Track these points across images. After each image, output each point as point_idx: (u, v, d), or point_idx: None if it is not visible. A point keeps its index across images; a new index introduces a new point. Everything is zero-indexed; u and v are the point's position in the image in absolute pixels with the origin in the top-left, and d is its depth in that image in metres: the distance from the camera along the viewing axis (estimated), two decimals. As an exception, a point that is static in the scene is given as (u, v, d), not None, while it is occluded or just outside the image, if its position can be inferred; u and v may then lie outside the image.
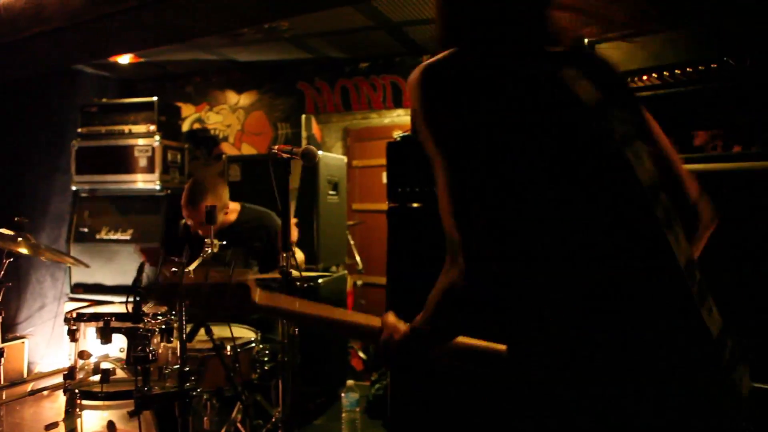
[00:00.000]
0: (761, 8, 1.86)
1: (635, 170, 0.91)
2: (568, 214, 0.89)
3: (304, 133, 4.45)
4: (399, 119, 5.00)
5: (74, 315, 2.23)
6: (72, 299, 4.19)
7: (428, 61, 0.95)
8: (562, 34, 1.00)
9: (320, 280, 3.43)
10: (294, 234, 3.07)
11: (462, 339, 1.10)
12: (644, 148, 0.97)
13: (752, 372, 0.94)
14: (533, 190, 0.90)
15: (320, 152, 3.71)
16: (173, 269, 1.24)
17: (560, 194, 0.90)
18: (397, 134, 2.84)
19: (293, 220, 3.10)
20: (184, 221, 3.33)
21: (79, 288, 4.23)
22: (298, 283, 1.94)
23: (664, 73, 2.13)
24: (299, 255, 3.11)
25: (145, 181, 4.22)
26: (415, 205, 2.67)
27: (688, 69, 2.07)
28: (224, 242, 2.35)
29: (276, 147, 1.89)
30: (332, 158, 3.99)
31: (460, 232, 0.89)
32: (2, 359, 2.54)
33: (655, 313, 0.86)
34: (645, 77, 2.15)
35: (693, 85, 2.05)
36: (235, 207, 3.07)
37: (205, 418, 2.39)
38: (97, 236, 4.24)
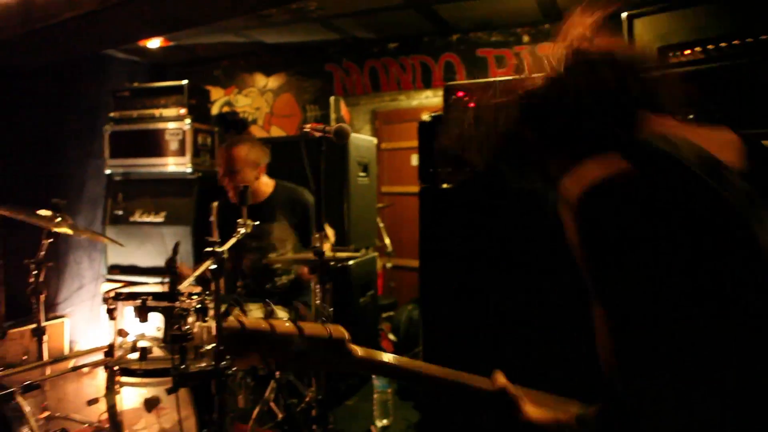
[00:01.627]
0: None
1: None
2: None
3: (332, 115, 4.44)
4: (427, 101, 4.95)
5: (112, 294, 2.28)
6: (109, 280, 4.28)
7: (601, 183, 0.78)
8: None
9: (351, 262, 3.44)
10: (330, 234, 3.08)
11: None
12: None
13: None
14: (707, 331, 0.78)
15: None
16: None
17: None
18: (427, 114, 2.80)
19: (328, 227, 3.12)
20: (216, 203, 3.36)
21: (115, 269, 4.32)
22: (332, 263, 1.93)
23: (708, 46, 2.04)
24: (330, 232, 3.11)
25: (176, 164, 4.26)
26: (446, 186, 2.65)
27: (734, 42, 1.98)
28: (257, 222, 2.35)
29: (308, 126, 1.87)
30: (362, 139, 3.97)
31: (627, 373, 0.79)
32: (45, 337, 2.61)
33: None
34: (688, 51, 2.06)
35: (739, 59, 1.96)
36: (270, 182, 3.11)
37: (240, 397, 2.43)
38: (131, 219, 4.31)
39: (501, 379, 1.01)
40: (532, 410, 0.98)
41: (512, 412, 0.97)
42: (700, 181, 0.79)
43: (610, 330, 0.80)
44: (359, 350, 1.00)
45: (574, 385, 1.02)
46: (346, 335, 0.99)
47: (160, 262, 4.12)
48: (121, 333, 2.15)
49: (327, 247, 3.04)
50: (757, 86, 1.91)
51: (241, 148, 2.98)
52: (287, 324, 0.96)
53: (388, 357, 1.02)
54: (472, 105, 1.00)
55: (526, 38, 4.29)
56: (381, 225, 4.73)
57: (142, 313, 2.08)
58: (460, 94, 2.56)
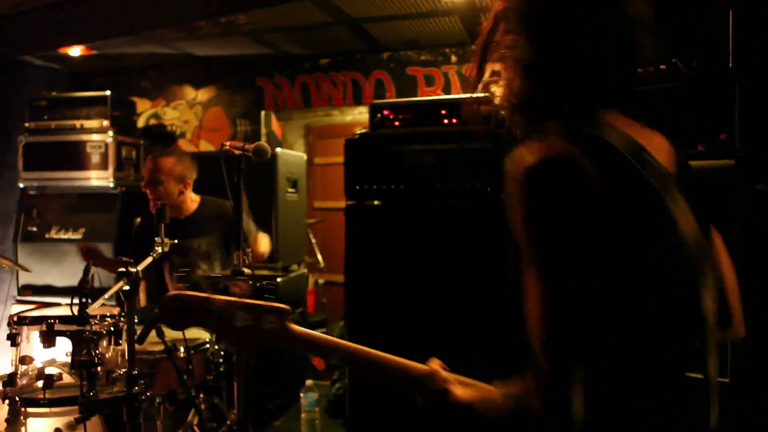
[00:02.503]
0: (706, 11, 1.91)
1: (700, 303, 0.95)
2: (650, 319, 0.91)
3: (263, 130, 4.38)
4: (361, 116, 4.98)
5: (15, 319, 2.13)
6: (19, 301, 4.01)
7: (541, 158, 0.88)
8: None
9: (279, 279, 3.38)
10: (265, 245, 3.02)
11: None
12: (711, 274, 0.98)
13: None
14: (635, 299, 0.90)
15: (279, 149, 3.65)
16: (181, 282, 1.01)
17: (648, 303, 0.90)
18: (358, 132, 2.82)
19: (263, 236, 3.06)
20: (138, 219, 3.23)
21: (27, 290, 4.06)
22: (251, 282, 1.90)
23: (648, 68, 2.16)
24: (265, 243, 3.06)
25: (98, 179, 4.07)
26: (373, 202, 2.67)
27: (638, 70, 2.11)
28: (175, 241, 2.28)
29: (228, 143, 1.84)
30: (291, 155, 3.93)
31: (553, 343, 0.87)
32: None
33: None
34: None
35: (644, 86, 2.09)
36: (196, 197, 3.06)
37: (159, 423, 2.33)
38: (47, 235, 4.07)
39: (434, 363, 1.08)
40: (461, 390, 1.04)
41: (442, 393, 1.04)
42: (626, 162, 0.91)
43: (540, 297, 0.87)
44: (298, 328, 1.03)
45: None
46: (288, 308, 1.01)
47: (77, 281, 3.93)
48: (24, 360, 2.02)
49: (264, 246, 3.00)
50: (684, 109, 2.06)
51: (167, 159, 2.93)
52: (230, 298, 0.98)
53: (327, 338, 1.05)
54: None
55: (453, 58, 4.41)
56: (313, 241, 4.69)
57: (47, 339, 1.96)
58: (386, 112, 2.59)
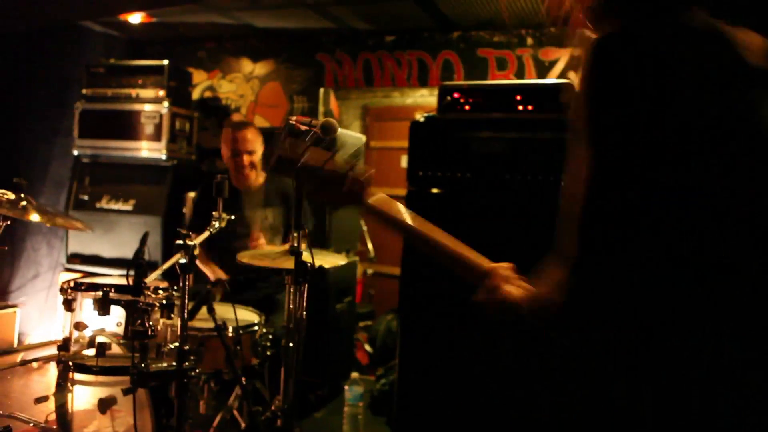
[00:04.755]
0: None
1: None
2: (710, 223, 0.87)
3: (321, 108, 4.46)
4: (423, 99, 4.98)
5: (71, 284, 2.27)
6: (68, 269, 4.25)
7: (611, 34, 0.91)
8: None
9: (327, 266, 3.44)
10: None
11: None
12: None
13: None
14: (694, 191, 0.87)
15: (339, 129, 3.71)
16: (294, 143, 1.24)
17: (709, 201, 0.87)
18: (420, 114, 2.83)
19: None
20: (193, 194, 3.38)
21: (75, 258, 4.29)
22: (308, 265, 1.95)
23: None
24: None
25: (150, 150, 4.25)
26: (435, 190, 2.68)
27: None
28: (232, 216, 2.37)
29: (294, 118, 1.89)
30: (350, 136, 3.99)
31: (591, 226, 0.87)
32: (-6, 326, 2.59)
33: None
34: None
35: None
36: (262, 173, 3.24)
37: (202, 402, 2.43)
38: (98, 205, 4.29)
39: (504, 264, 1.13)
40: (512, 289, 1.08)
41: (494, 289, 1.09)
42: (707, 47, 0.90)
43: (588, 175, 0.88)
44: (376, 198, 1.21)
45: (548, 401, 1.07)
46: (366, 179, 1.21)
47: (125, 253, 4.14)
48: (78, 326, 2.14)
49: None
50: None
51: (251, 129, 3.19)
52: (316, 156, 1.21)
53: (399, 212, 1.20)
54: None
55: (530, 41, 4.35)
56: (364, 228, 4.75)
57: (102, 306, 2.08)
58: (456, 95, 2.60)
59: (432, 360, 2.63)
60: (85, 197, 4.33)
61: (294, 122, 1.86)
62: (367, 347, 4.38)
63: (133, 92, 4.33)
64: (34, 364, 2.51)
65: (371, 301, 5.06)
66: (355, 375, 3.09)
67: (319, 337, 3.21)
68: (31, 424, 2.54)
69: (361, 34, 4.84)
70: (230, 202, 2.41)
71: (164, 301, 2.18)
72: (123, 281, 2.13)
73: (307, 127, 1.83)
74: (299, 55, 5.05)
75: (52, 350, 2.29)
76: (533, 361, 2.29)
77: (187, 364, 2.00)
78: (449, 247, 1.16)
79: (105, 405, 2.15)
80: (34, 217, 2.52)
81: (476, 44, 4.50)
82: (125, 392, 1.97)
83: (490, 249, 2.64)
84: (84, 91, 4.40)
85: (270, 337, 2.60)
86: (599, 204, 0.87)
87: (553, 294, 0.97)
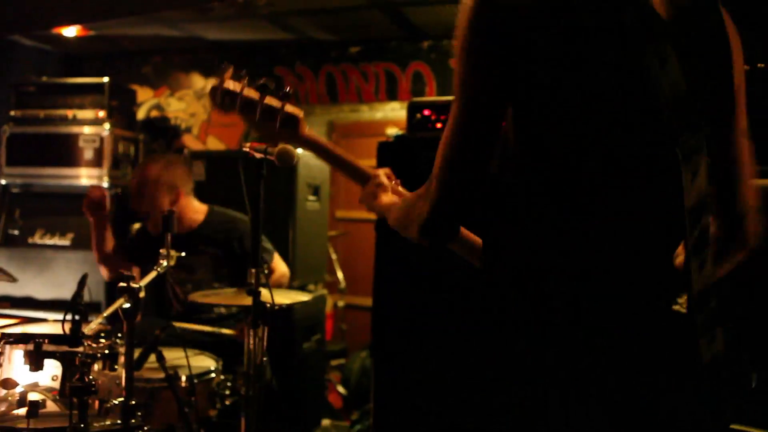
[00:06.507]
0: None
1: (684, 193, 0.98)
2: (598, 205, 0.99)
3: (281, 127, 4.43)
4: (394, 114, 5.02)
5: (-1, 335, 2.19)
6: (-4, 315, 4.12)
7: None
8: None
9: (290, 302, 3.41)
10: (283, 270, 3.06)
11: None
12: (704, 162, 1.02)
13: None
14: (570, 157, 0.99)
15: (300, 150, 3.70)
16: (233, 77, 1.41)
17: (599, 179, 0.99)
18: (391, 131, 2.84)
19: (281, 265, 3.10)
20: (137, 226, 3.30)
21: (5, 302, 4.16)
22: (269, 305, 1.92)
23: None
24: (282, 268, 3.10)
25: (90, 177, 4.17)
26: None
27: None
28: (182, 253, 2.33)
29: (248, 144, 1.87)
30: (314, 158, 3.98)
31: (449, 166, 1.05)
32: None
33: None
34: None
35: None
36: (202, 208, 3.08)
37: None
38: (30, 240, 4.18)
39: (382, 171, 1.44)
40: (384, 198, 1.38)
41: (371, 195, 1.40)
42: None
43: (450, 120, 1.05)
44: (308, 130, 1.46)
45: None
46: (300, 115, 1.43)
47: (62, 294, 4.03)
48: (7, 384, 2.07)
49: (285, 268, 3.04)
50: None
51: (152, 166, 2.95)
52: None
53: (324, 141, 1.55)
54: None
55: (505, 50, 4.42)
56: (333, 256, 4.73)
57: (34, 361, 2.01)
58: (427, 112, 2.61)
59: (408, 399, 2.61)
60: (16, 232, 4.22)
61: (248, 149, 1.85)
62: (341, 389, 4.33)
63: (69, 113, 4.26)
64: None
65: (344, 337, 5.02)
66: (326, 422, 3.06)
67: (286, 382, 3.16)
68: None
69: (322, 45, 4.87)
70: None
71: (107, 351, 2.12)
72: (58, 329, 2.07)
73: (262, 155, 1.82)
74: (256, 69, 5.04)
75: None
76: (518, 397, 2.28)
77: (134, 421, 1.95)
78: (342, 157, 1.46)
79: (39, 472, 2.07)
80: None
81: (448, 54, 4.57)
82: (63, 457, 1.90)
83: (463, 268, 2.64)
84: (12, 113, 4.31)
85: (228, 384, 2.55)
86: (459, 148, 1.05)
87: (414, 199, 1.17)
